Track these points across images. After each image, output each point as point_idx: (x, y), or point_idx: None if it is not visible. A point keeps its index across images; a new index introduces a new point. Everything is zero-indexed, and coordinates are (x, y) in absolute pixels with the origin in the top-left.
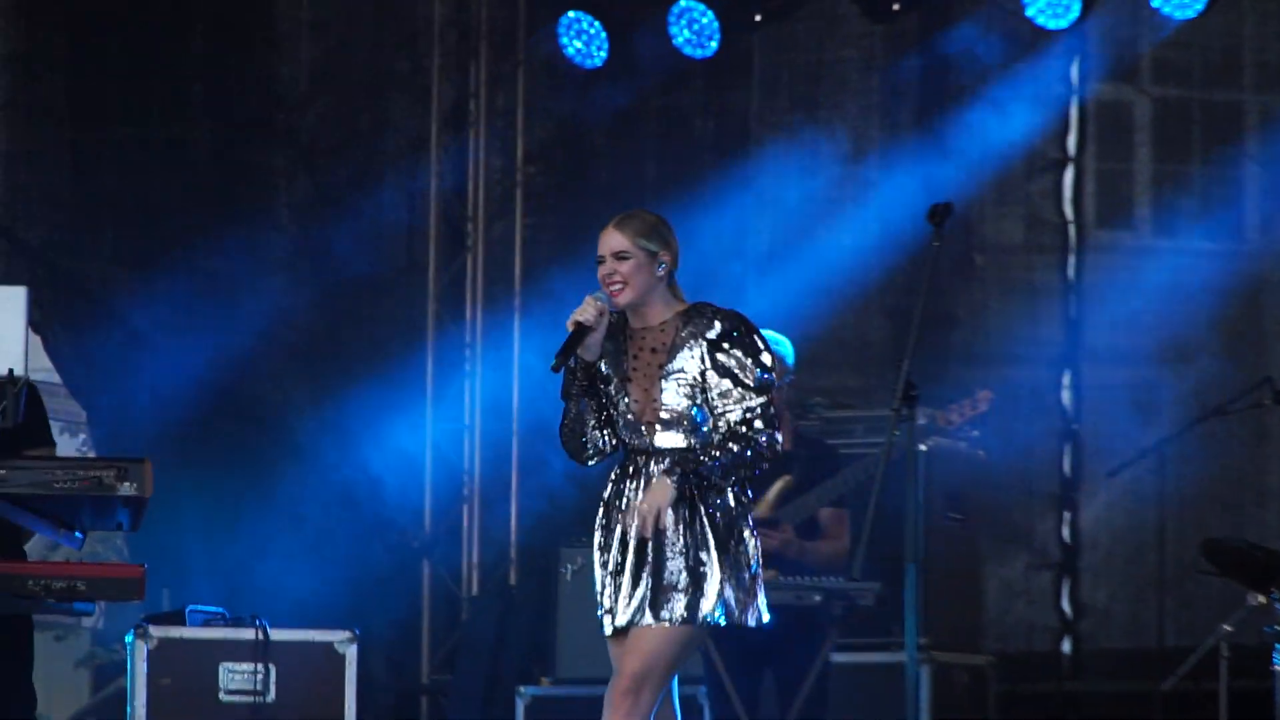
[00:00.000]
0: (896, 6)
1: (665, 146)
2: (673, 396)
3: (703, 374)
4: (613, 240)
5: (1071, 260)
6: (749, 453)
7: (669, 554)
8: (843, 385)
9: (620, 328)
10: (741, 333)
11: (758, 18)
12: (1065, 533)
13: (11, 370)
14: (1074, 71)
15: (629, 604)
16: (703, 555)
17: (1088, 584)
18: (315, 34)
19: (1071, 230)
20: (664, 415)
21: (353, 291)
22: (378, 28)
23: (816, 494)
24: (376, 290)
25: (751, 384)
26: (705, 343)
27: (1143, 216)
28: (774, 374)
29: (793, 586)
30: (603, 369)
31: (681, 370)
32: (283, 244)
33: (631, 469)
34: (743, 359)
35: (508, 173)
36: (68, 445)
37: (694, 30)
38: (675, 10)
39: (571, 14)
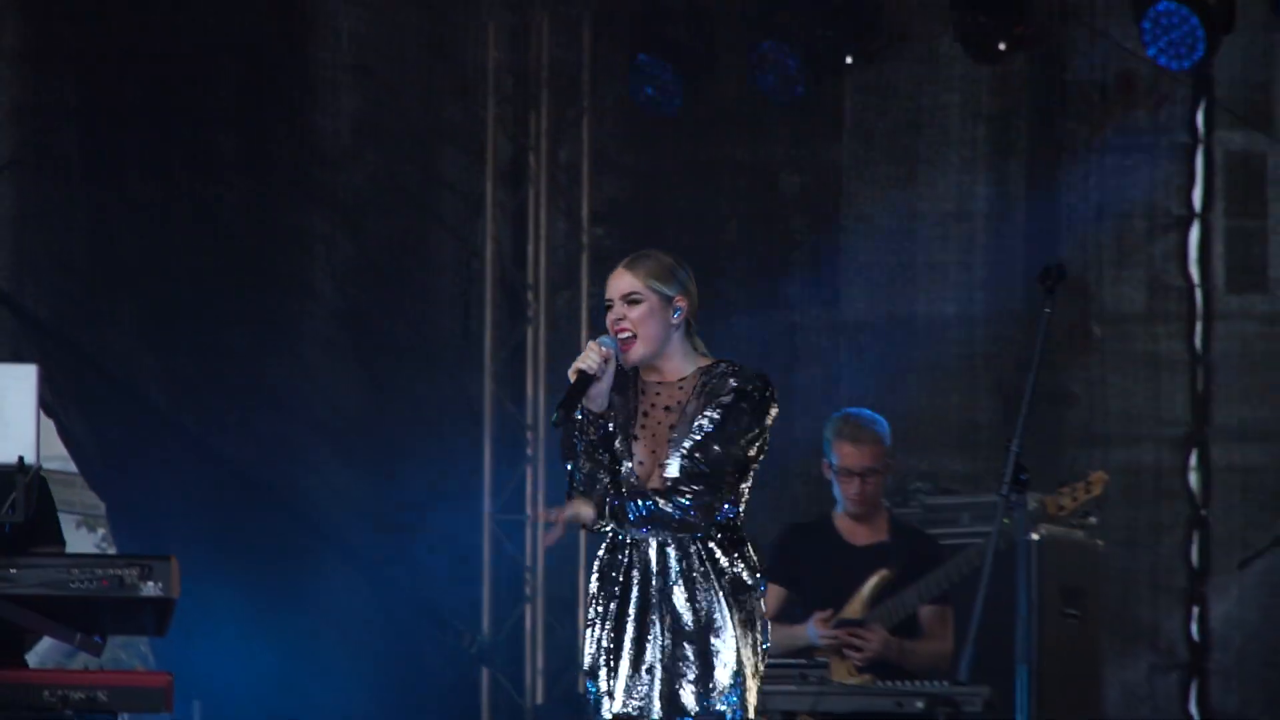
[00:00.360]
0: (1003, 46)
1: (748, 204)
2: (674, 463)
3: (693, 424)
4: (622, 282)
5: (1198, 328)
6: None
7: (676, 630)
8: (946, 469)
9: (631, 379)
10: (748, 399)
11: (849, 60)
12: (1193, 630)
13: (21, 458)
14: (1200, 118)
15: (631, 691)
16: (713, 639)
17: (1218, 688)
18: (357, 81)
19: (1198, 295)
20: (670, 482)
21: (400, 368)
22: (427, 73)
23: (917, 590)
24: (427, 367)
25: (716, 448)
26: (721, 399)
27: (1278, 279)
28: (751, 457)
29: (892, 692)
30: (608, 425)
31: (687, 431)
32: (322, 314)
33: (629, 538)
34: (724, 419)
35: (572, 235)
36: (84, 541)
37: (779, 74)
38: (758, 52)
39: (643, 57)
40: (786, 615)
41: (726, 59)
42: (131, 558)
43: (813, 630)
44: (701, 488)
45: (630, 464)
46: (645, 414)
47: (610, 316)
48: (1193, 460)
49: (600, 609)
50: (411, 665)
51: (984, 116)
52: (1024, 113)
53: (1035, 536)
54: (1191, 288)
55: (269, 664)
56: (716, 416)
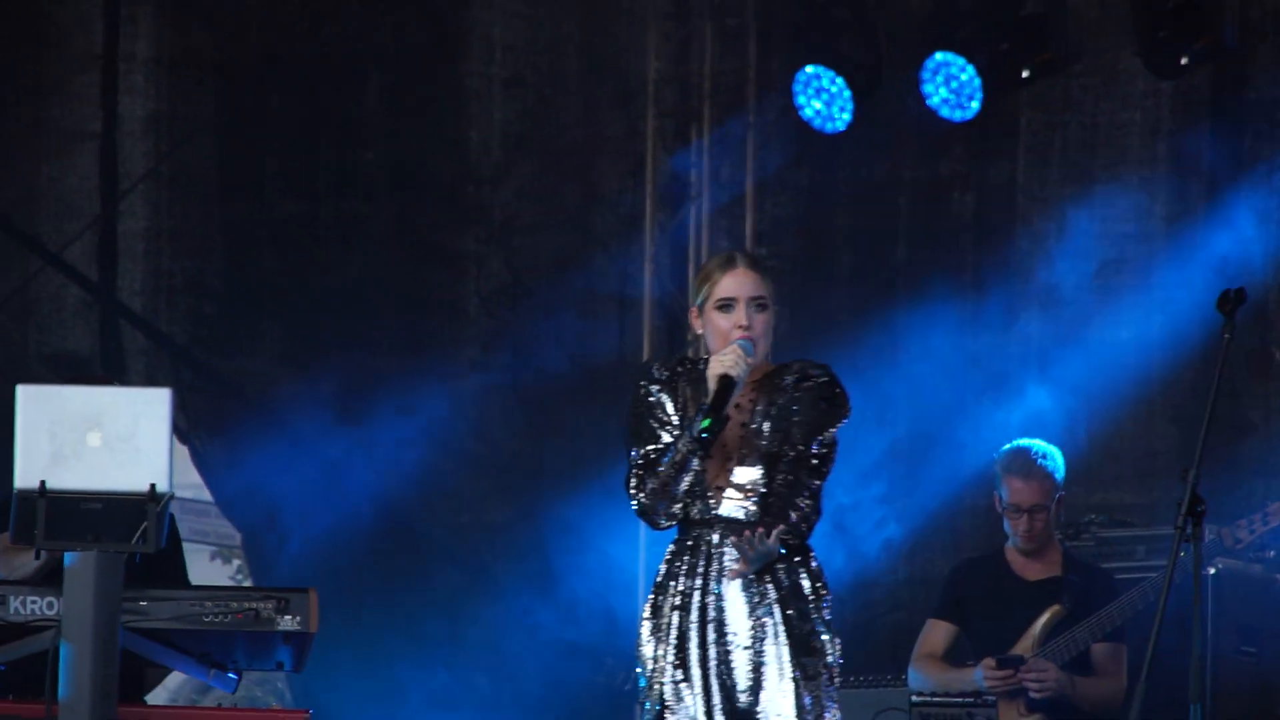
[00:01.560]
0: (1185, 61)
1: (918, 224)
2: (752, 464)
3: (776, 430)
4: (750, 281)
5: None
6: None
7: (734, 645)
8: (1121, 501)
9: (703, 377)
10: (819, 379)
11: (1025, 74)
12: None
13: (154, 485)
14: None
15: (694, 702)
16: (777, 649)
17: None
18: (511, 92)
19: None
20: (738, 484)
21: (553, 395)
22: (584, 84)
23: (1089, 626)
24: (582, 394)
25: (816, 421)
26: (785, 395)
27: None
28: (837, 423)
29: None
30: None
31: (764, 433)
32: (472, 338)
33: (690, 544)
34: (820, 416)
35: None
36: (219, 573)
37: (952, 89)
38: (930, 65)
39: (810, 69)
40: (956, 652)
41: (897, 72)
42: (268, 591)
43: (979, 675)
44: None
45: (697, 460)
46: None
47: (733, 319)
48: None
49: (653, 628)
50: (564, 706)
51: (1164, 134)
52: (1205, 130)
53: (1212, 571)
54: None
55: (411, 704)
56: (809, 396)
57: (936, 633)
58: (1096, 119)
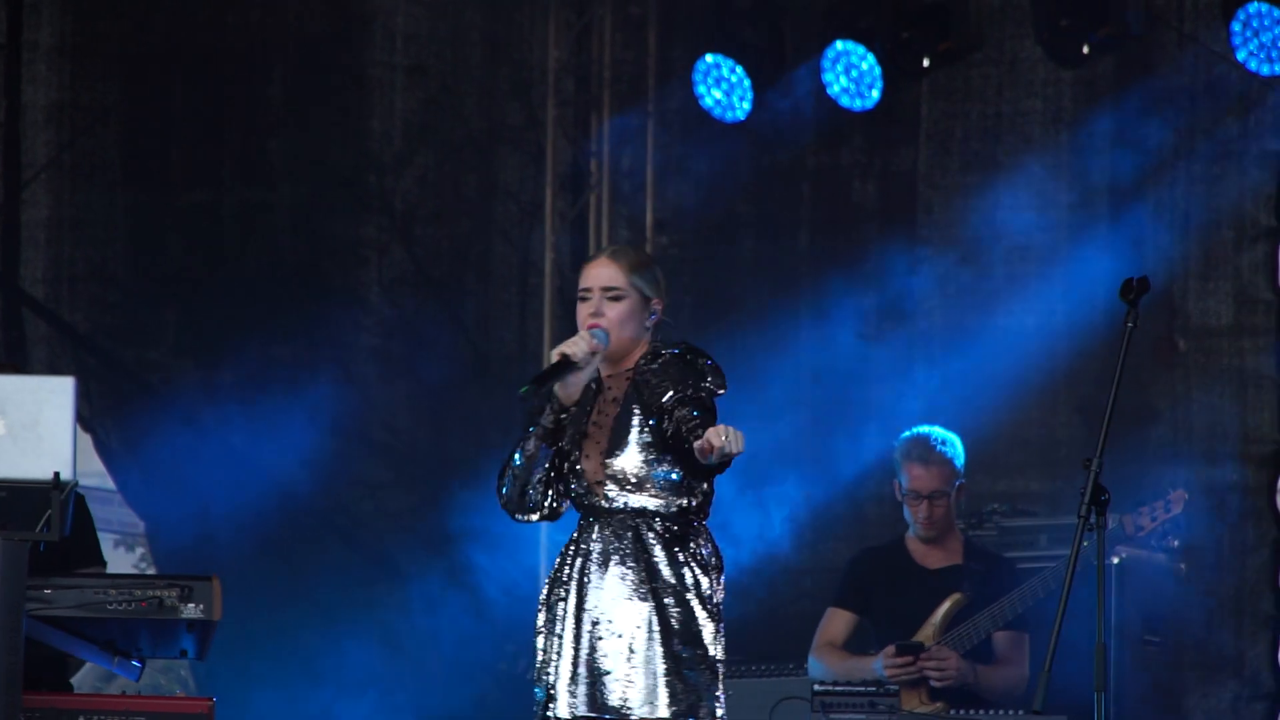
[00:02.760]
0: (1087, 49)
1: (820, 213)
2: (628, 454)
3: (643, 412)
4: (605, 272)
5: None
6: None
7: (607, 634)
8: (1024, 489)
9: (593, 378)
10: (685, 355)
11: (926, 63)
12: None
13: (58, 474)
14: None
15: (569, 692)
16: (649, 639)
17: None
18: (412, 81)
19: None
20: (614, 473)
21: (456, 383)
22: (485, 74)
23: (991, 614)
24: (484, 382)
25: (690, 373)
26: (652, 376)
27: None
28: (712, 383)
29: None
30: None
31: (634, 420)
32: (374, 328)
33: (578, 535)
34: (683, 362)
35: (635, 244)
36: (123, 561)
37: (852, 78)
38: (831, 55)
39: (710, 58)
40: (856, 641)
41: (798, 60)
42: (172, 578)
43: (879, 665)
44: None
45: (578, 454)
46: (598, 410)
47: (585, 309)
48: None
49: (548, 617)
50: (466, 688)
51: (1066, 123)
52: (1108, 119)
53: (1115, 560)
54: None
55: (315, 692)
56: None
57: (836, 621)
58: (999, 108)
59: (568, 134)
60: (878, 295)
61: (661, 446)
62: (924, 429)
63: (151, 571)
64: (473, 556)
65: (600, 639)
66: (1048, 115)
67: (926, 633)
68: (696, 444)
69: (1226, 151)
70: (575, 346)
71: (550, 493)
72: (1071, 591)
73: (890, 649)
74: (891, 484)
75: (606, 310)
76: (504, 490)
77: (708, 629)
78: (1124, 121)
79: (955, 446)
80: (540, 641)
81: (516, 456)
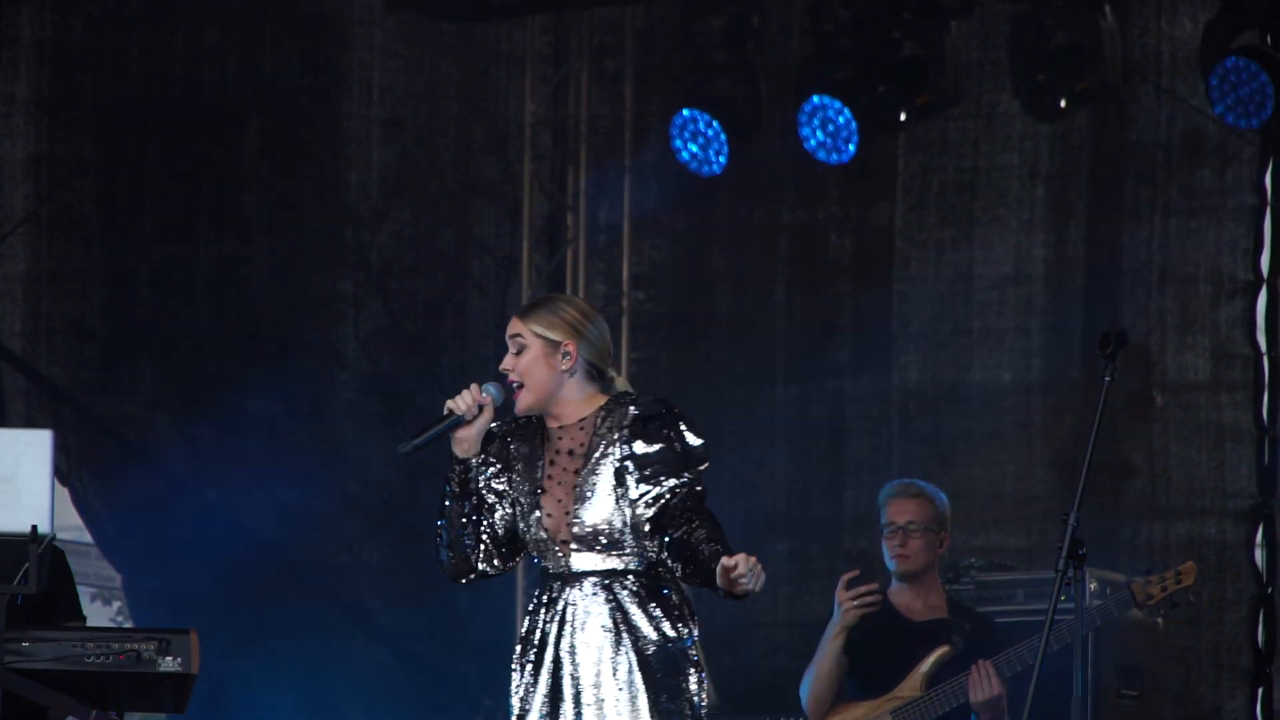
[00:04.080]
0: (1064, 103)
1: (796, 268)
2: (595, 510)
3: (620, 470)
4: (512, 327)
5: (1265, 398)
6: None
7: (593, 701)
8: (1001, 544)
9: (537, 429)
10: (665, 414)
11: (903, 117)
12: (1258, 713)
13: (35, 527)
14: (1268, 179)
15: None
16: (633, 700)
17: None
18: (388, 135)
19: (1265, 364)
20: (582, 531)
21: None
22: (461, 127)
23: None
24: None
25: (681, 457)
26: (623, 431)
27: None
28: (705, 454)
29: None
30: (517, 480)
31: (601, 475)
32: (350, 382)
33: (547, 598)
34: (669, 435)
35: (612, 299)
36: (100, 614)
37: (829, 132)
38: (807, 109)
39: (686, 112)
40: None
41: (774, 115)
42: (149, 631)
43: (838, 610)
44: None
45: (539, 514)
46: (551, 463)
47: (503, 362)
48: (1259, 536)
49: (520, 683)
50: None
51: (1043, 176)
52: (1085, 173)
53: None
54: (1259, 356)
55: None
56: (662, 432)
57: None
58: (975, 161)
59: (544, 188)
60: (854, 350)
61: (632, 515)
62: (909, 479)
63: (129, 625)
64: (450, 610)
65: (586, 705)
66: (1024, 169)
67: (912, 684)
68: (717, 568)
69: (1204, 206)
70: (460, 401)
71: (486, 550)
72: (1048, 647)
73: (840, 586)
74: (874, 539)
75: (515, 362)
76: (439, 555)
77: (691, 680)
78: (1100, 175)
79: (938, 493)
80: (515, 702)
81: (438, 520)
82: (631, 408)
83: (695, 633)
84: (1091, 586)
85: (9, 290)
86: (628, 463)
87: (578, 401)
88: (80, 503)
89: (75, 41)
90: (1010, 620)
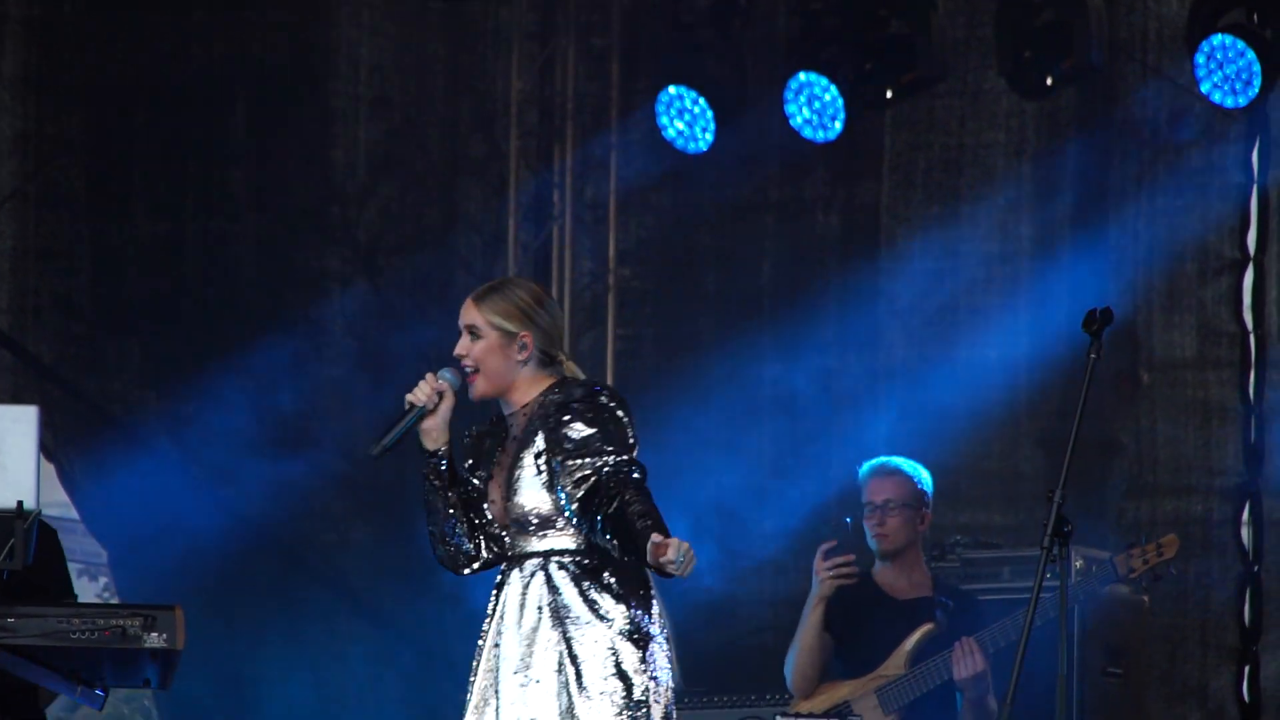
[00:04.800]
0: (1050, 81)
1: (782, 244)
2: (530, 493)
3: (546, 452)
4: (467, 313)
5: (1252, 376)
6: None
7: (528, 682)
8: (987, 522)
9: (500, 420)
10: (592, 396)
11: (889, 94)
12: (1244, 691)
13: (20, 503)
14: (1254, 157)
15: None
16: (563, 683)
17: None
18: (376, 112)
19: (1252, 341)
20: (516, 514)
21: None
22: (449, 105)
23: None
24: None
25: (610, 437)
26: (554, 416)
27: None
28: (634, 439)
29: None
30: (479, 471)
31: (526, 459)
32: (338, 359)
33: (497, 580)
34: (598, 418)
35: (598, 276)
36: (86, 590)
37: (815, 109)
38: (793, 86)
39: (672, 89)
40: (827, 672)
41: (760, 92)
42: (135, 608)
43: (816, 582)
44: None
45: (486, 503)
46: (502, 449)
47: (457, 348)
48: (1245, 514)
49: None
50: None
51: (1029, 154)
52: (1071, 151)
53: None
54: (1245, 333)
55: (276, 719)
56: (586, 414)
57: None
58: (961, 139)
59: (531, 165)
60: (839, 327)
61: (565, 496)
62: (887, 456)
63: (115, 601)
64: (434, 587)
65: (521, 686)
66: (1010, 147)
67: (896, 662)
68: (649, 544)
69: (1190, 184)
70: (418, 392)
71: (480, 541)
72: (1035, 623)
73: (818, 556)
74: (860, 517)
75: (469, 348)
76: (435, 552)
77: (630, 659)
78: (1087, 153)
79: (917, 470)
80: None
81: (427, 518)
82: (565, 391)
83: (644, 613)
84: (1077, 564)
85: None
86: (556, 445)
87: (527, 388)
88: (66, 479)
89: (63, 20)
90: (996, 598)
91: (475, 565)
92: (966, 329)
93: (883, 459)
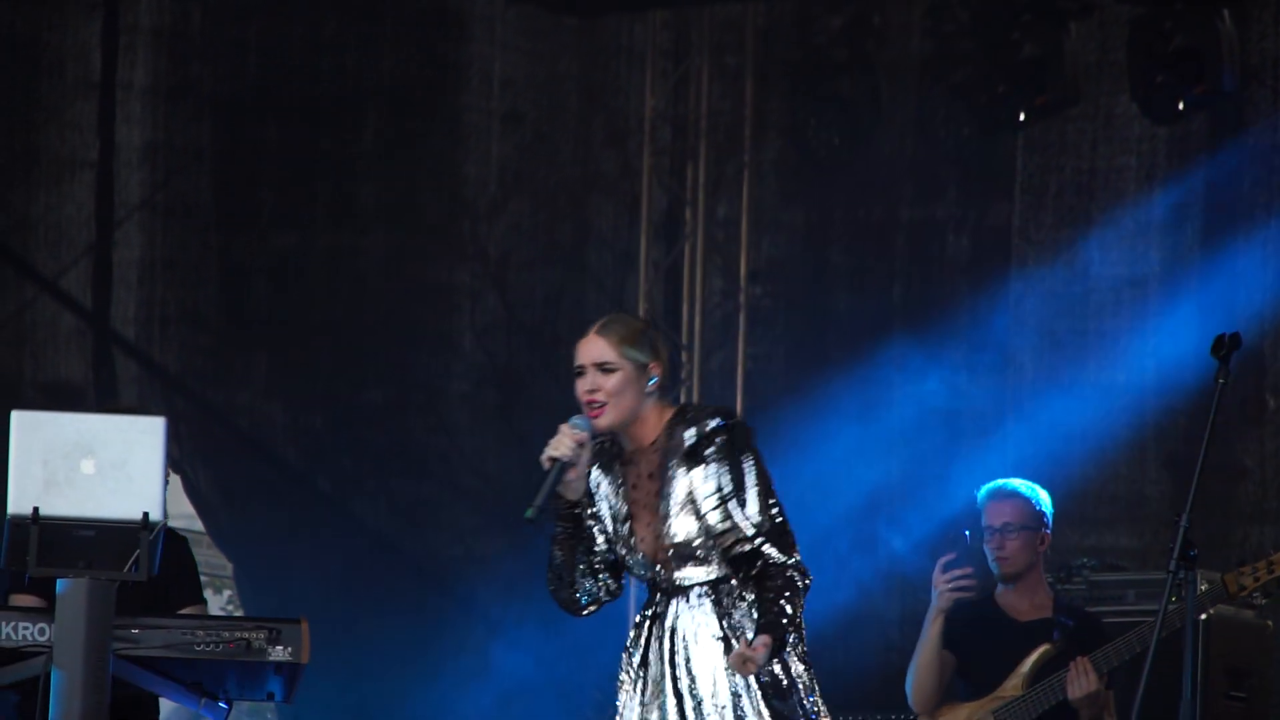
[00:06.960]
0: (1182, 106)
1: (914, 265)
2: (681, 526)
3: (690, 490)
4: (594, 348)
5: None
6: (789, 590)
7: (712, 710)
8: (1113, 544)
9: (615, 455)
10: (719, 433)
11: (1021, 116)
12: None
13: (147, 514)
14: None
15: None
16: (751, 703)
17: None
18: (507, 128)
19: None
20: (676, 551)
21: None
22: (581, 121)
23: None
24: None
25: (746, 502)
26: (687, 451)
27: None
28: (767, 476)
29: None
30: (605, 506)
31: (679, 493)
32: (465, 374)
33: (653, 612)
34: (720, 468)
35: (729, 294)
36: (211, 603)
37: (949, 130)
38: (927, 106)
39: (806, 109)
40: (948, 691)
41: (894, 112)
42: (260, 621)
43: (935, 594)
44: (771, 542)
45: (635, 539)
46: (634, 487)
47: (582, 385)
48: None
49: (629, 694)
50: None
51: (1160, 178)
52: (1202, 175)
53: (1203, 616)
54: None
55: None
56: (714, 459)
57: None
58: (1093, 163)
59: (663, 182)
60: (969, 348)
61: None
62: (1006, 479)
63: (239, 613)
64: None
65: (707, 715)
66: (1141, 171)
67: (1014, 683)
68: (745, 639)
69: None
70: (560, 446)
71: (602, 580)
72: (1158, 648)
73: (937, 569)
74: (977, 532)
75: (602, 384)
76: (558, 597)
77: (802, 679)
78: (1217, 178)
79: (1035, 492)
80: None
81: (551, 567)
82: (693, 428)
83: (798, 633)
84: (1202, 588)
85: (123, 277)
86: (695, 487)
87: (655, 422)
88: (192, 491)
89: (193, 30)
90: (1120, 620)
91: (593, 607)
92: (1095, 352)
93: (1001, 481)
